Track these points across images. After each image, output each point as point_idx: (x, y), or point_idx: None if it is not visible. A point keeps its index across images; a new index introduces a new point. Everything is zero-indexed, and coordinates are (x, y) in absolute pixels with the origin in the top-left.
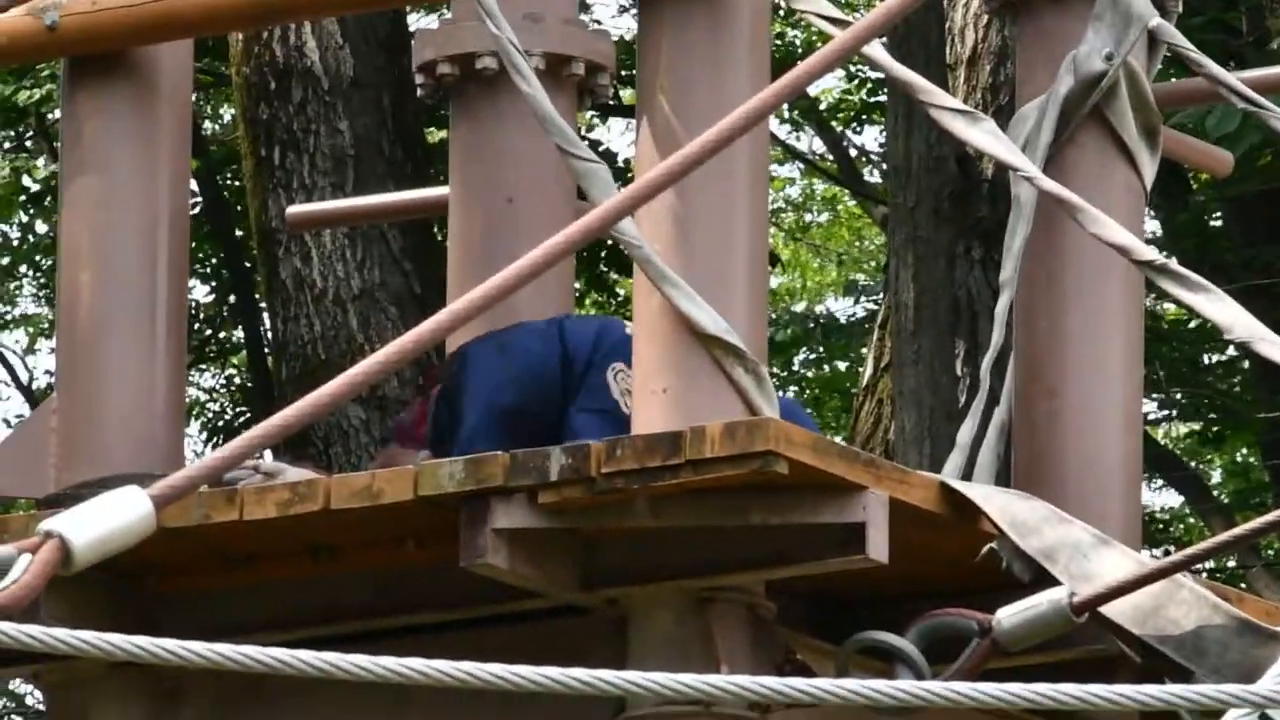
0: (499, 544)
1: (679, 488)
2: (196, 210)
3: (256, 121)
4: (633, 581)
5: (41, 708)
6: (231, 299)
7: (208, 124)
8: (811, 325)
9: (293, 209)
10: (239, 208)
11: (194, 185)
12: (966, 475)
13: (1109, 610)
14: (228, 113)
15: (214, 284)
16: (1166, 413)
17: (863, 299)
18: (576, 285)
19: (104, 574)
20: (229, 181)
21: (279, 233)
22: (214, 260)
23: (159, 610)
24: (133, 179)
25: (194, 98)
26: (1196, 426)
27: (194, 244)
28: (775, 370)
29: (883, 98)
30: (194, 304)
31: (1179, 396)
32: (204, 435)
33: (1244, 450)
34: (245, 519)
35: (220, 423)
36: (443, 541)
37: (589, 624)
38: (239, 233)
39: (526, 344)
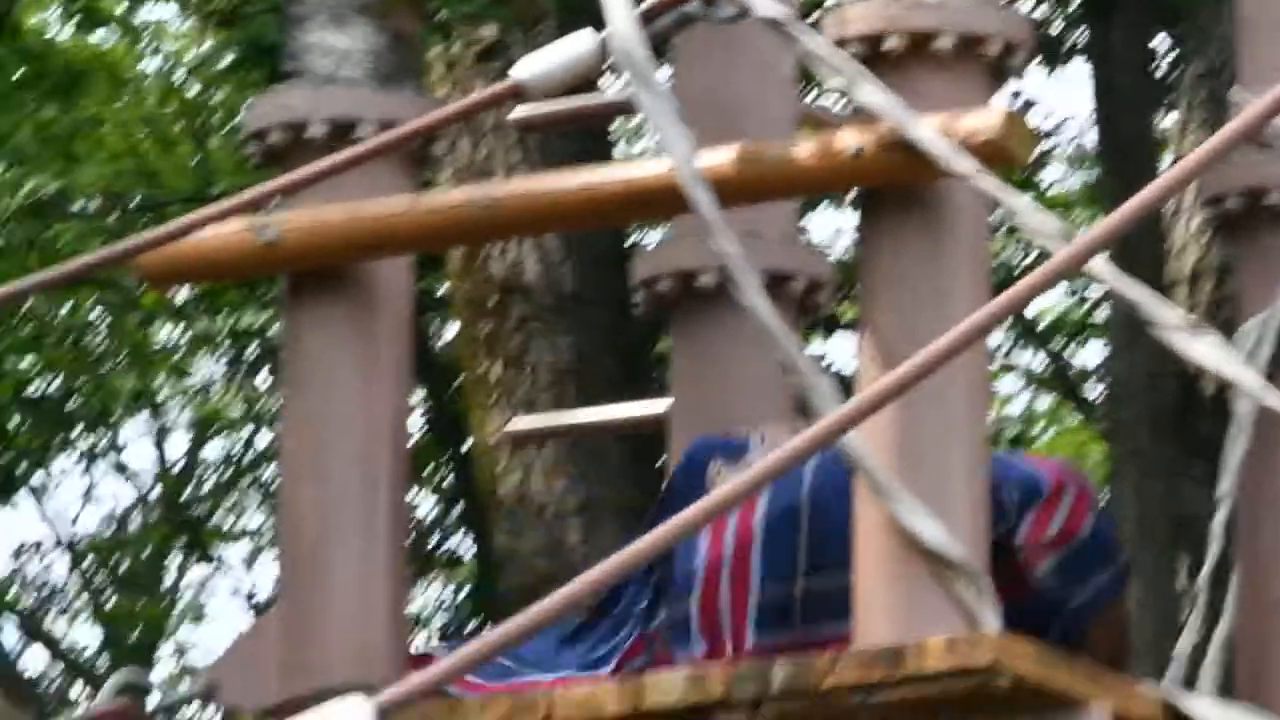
0: None
1: (901, 702)
2: (425, 421)
3: (476, 338)
4: None
5: None
6: (458, 509)
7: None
8: None
9: (513, 423)
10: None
11: (423, 395)
12: (1190, 688)
13: None
14: (452, 329)
15: (438, 495)
16: None
17: None
18: None
19: None
20: (456, 393)
21: (499, 447)
22: (441, 470)
23: None
24: (352, 394)
25: (423, 313)
26: None
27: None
28: None
29: (1101, 315)
30: (417, 516)
31: None
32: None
33: None
34: None
35: (446, 635)
36: None
37: None
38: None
39: None
